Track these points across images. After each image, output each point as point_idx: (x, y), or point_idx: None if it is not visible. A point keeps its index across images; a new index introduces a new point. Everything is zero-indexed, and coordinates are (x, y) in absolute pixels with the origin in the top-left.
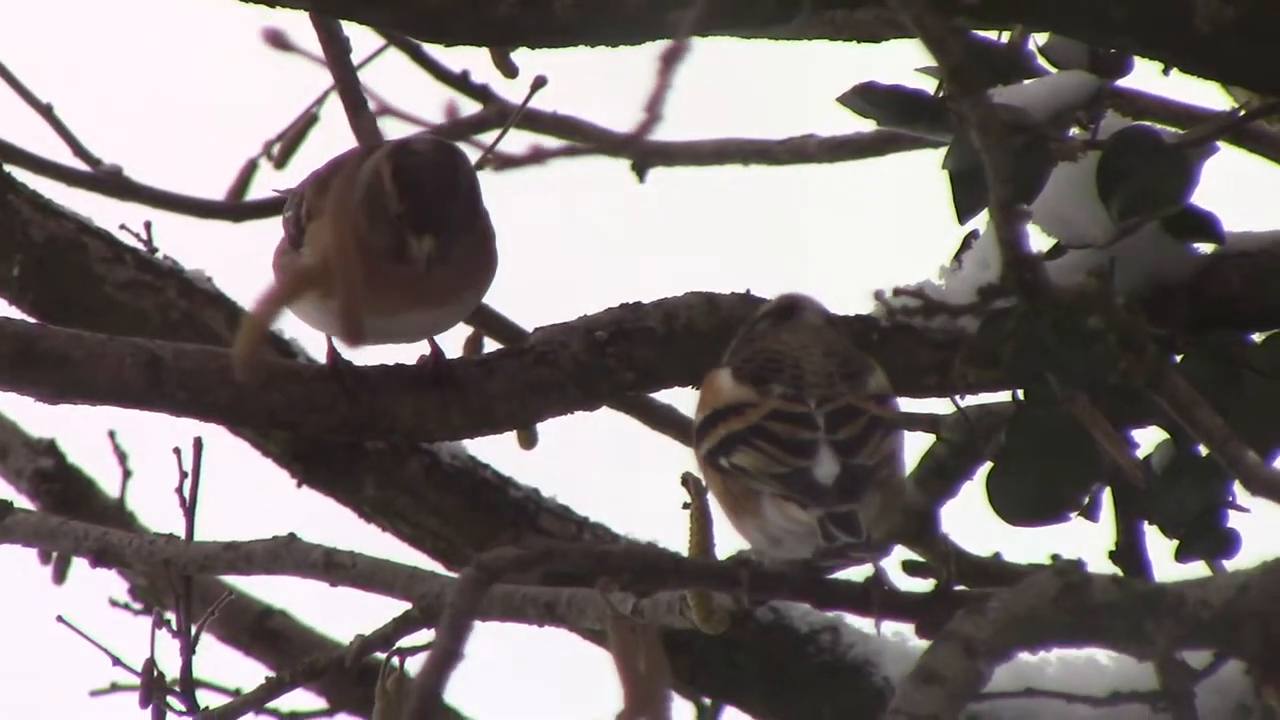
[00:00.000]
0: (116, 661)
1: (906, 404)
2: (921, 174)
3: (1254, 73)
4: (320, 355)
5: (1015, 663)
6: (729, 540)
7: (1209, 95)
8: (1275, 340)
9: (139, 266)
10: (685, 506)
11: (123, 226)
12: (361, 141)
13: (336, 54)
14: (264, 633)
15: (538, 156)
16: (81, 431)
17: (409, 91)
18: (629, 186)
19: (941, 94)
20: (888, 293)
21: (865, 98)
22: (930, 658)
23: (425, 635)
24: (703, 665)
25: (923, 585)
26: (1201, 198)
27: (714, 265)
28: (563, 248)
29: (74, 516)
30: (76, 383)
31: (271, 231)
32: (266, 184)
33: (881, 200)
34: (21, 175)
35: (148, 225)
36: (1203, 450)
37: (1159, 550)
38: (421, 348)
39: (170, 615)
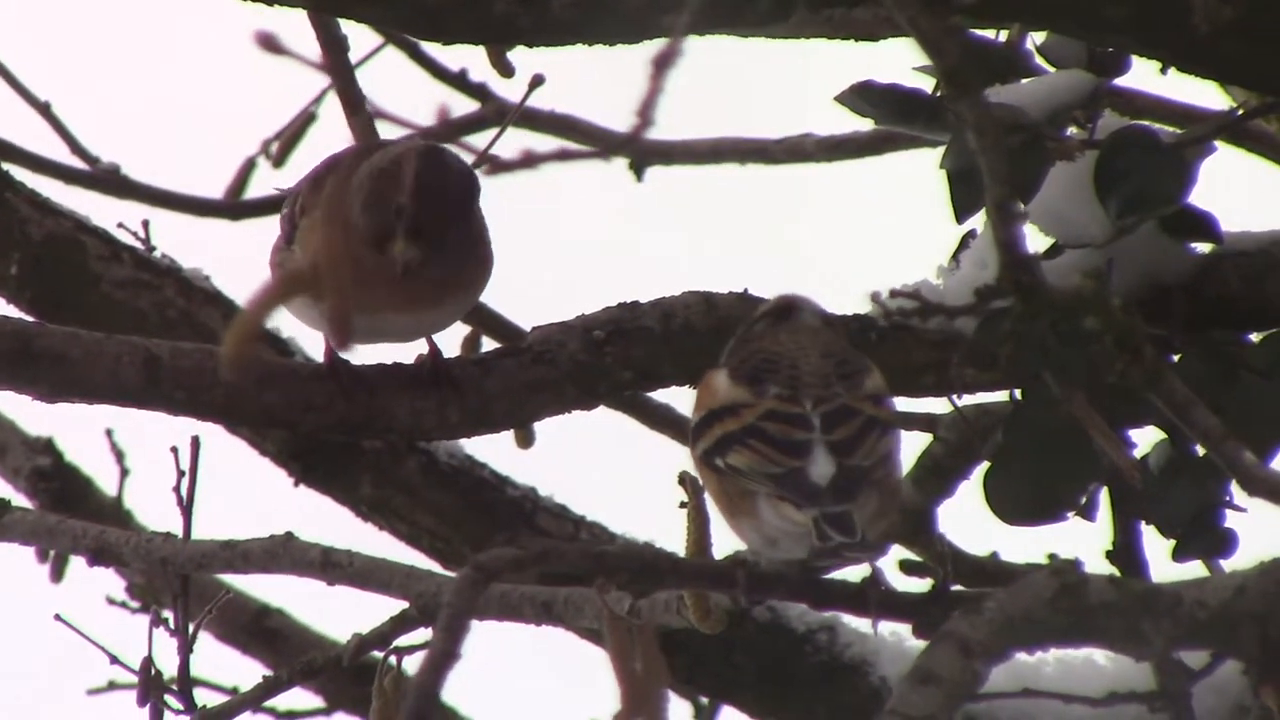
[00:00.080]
0: (114, 660)
1: (904, 403)
2: (919, 173)
3: (1252, 72)
4: (318, 354)
5: (1013, 663)
6: (726, 540)
7: (1207, 94)
8: (1273, 340)
9: (137, 265)
10: (682, 506)
11: (120, 225)
12: (359, 140)
13: (334, 52)
14: (261, 631)
15: (530, 161)
16: (79, 430)
17: (407, 90)
18: (626, 185)
19: (939, 94)
20: (885, 294)
21: (863, 97)
22: (927, 658)
23: (422, 634)
24: (700, 664)
25: (920, 585)
26: (1199, 197)
27: (711, 264)
28: (560, 247)
29: (71, 515)
30: (74, 381)
31: (269, 230)
32: (264, 182)
33: (879, 199)
34: (20, 173)
35: (145, 224)
36: (1200, 450)
37: (1156, 550)
38: (419, 347)
39: (168, 614)
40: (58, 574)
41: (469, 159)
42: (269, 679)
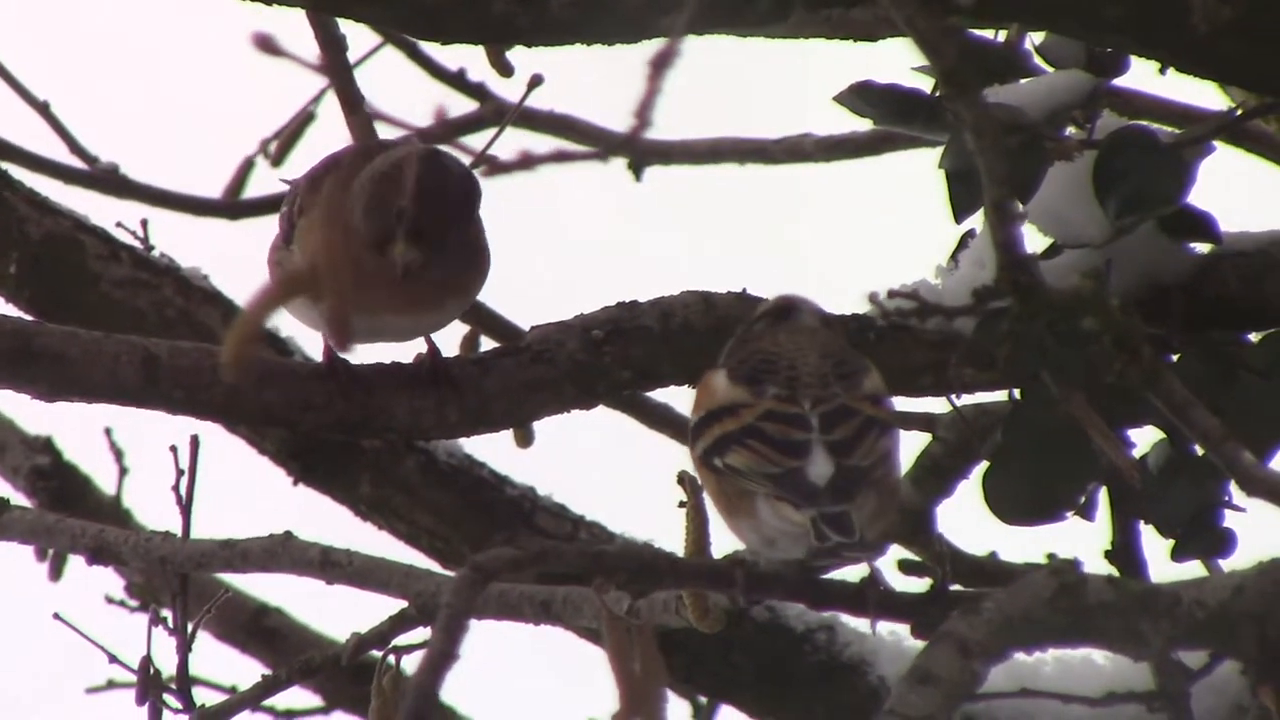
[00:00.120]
0: (113, 659)
1: (902, 403)
2: (918, 173)
3: (1251, 72)
4: (316, 354)
5: (1011, 662)
6: (725, 540)
7: (1206, 95)
8: (1271, 340)
9: (135, 264)
10: (681, 505)
11: (119, 224)
12: (357, 139)
13: (332, 52)
14: (260, 630)
15: (528, 162)
16: (78, 429)
17: (405, 90)
18: (625, 185)
19: (937, 94)
20: (883, 294)
21: (862, 97)
22: (925, 658)
23: (421, 633)
24: (699, 664)
25: (918, 585)
26: (1198, 197)
27: (710, 264)
28: (559, 246)
29: (70, 514)
30: (72, 380)
31: (268, 230)
32: (263, 182)
33: (878, 199)
34: (18, 173)
35: (144, 223)
36: (1199, 450)
37: (1155, 550)
38: (418, 346)
39: (166, 613)
40: (56, 573)
41: (467, 159)
42: (268, 678)
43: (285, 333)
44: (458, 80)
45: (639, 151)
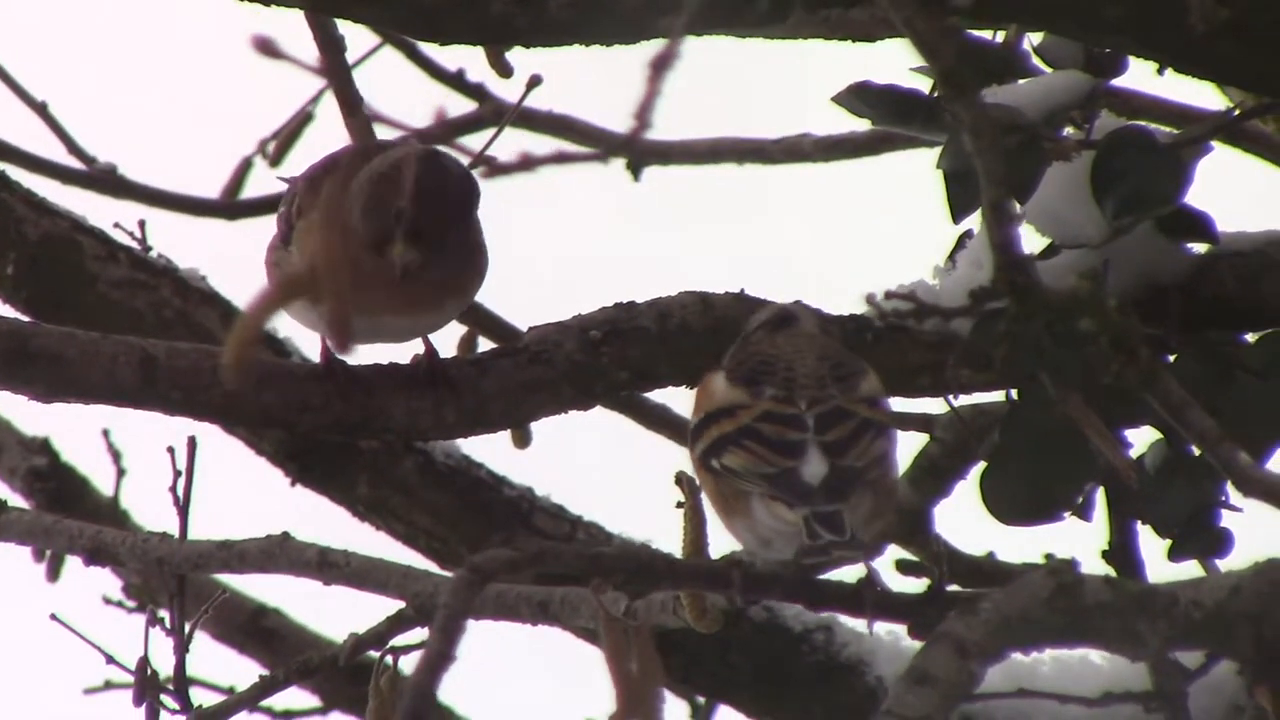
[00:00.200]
0: (110, 660)
1: (900, 404)
2: (916, 173)
3: (1248, 72)
4: (314, 355)
5: (1009, 662)
6: (723, 540)
7: (1204, 95)
8: (1269, 340)
9: (133, 265)
10: (679, 506)
11: (117, 225)
12: (356, 140)
13: (331, 52)
14: (258, 631)
15: (527, 164)
16: (75, 430)
17: (404, 90)
18: (624, 185)
19: (935, 94)
20: (880, 295)
21: (860, 97)
22: (923, 659)
23: (419, 634)
24: (696, 664)
25: (916, 585)
26: (1196, 197)
27: (708, 264)
28: (557, 246)
29: (68, 515)
30: (70, 381)
31: (266, 230)
32: (261, 182)
33: (876, 200)
34: (16, 173)
35: (142, 224)
36: (1196, 451)
37: (1152, 550)
38: (415, 346)
39: (164, 613)
40: (54, 574)
41: (466, 160)
42: (265, 678)
43: (283, 334)
44: (456, 81)
45: (638, 152)
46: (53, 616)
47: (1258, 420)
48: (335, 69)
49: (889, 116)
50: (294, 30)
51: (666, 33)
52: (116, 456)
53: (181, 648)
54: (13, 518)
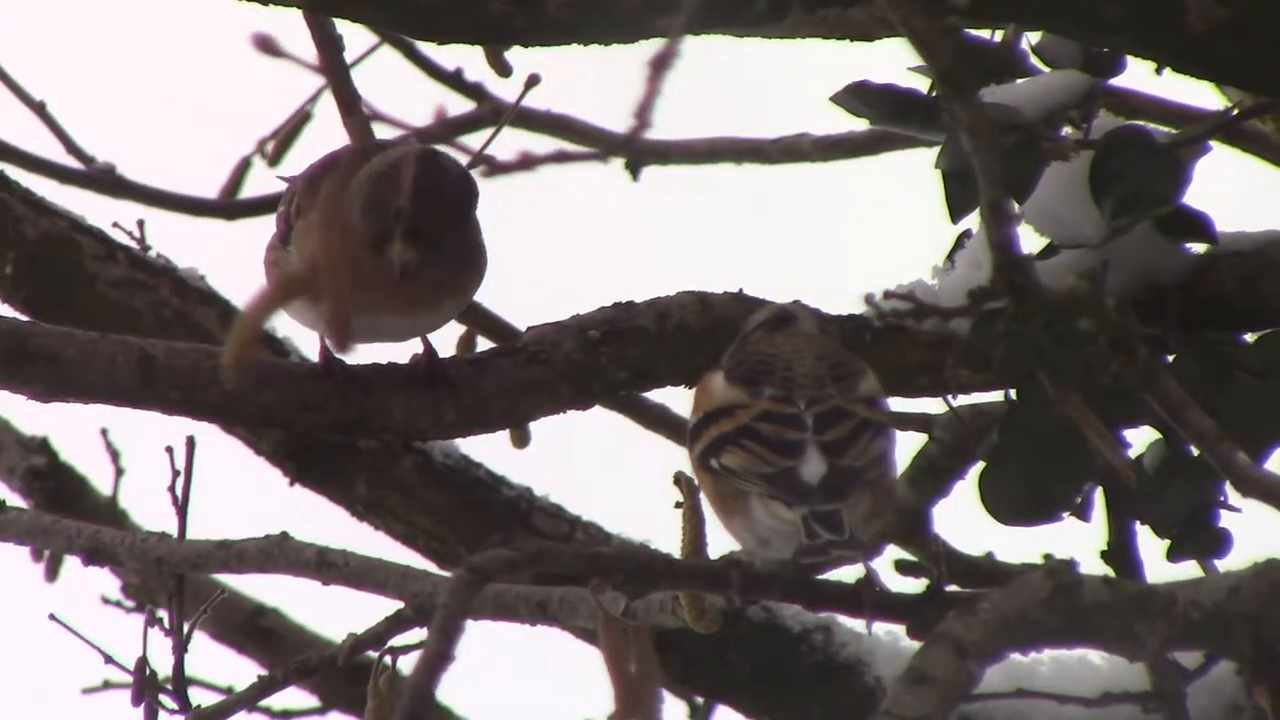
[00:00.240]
0: (109, 659)
1: (899, 404)
2: (915, 173)
3: (1247, 72)
4: (313, 354)
5: (1007, 663)
6: (722, 540)
7: (1202, 95)
8: (1267, 340)
9: (132, 264)
10: (678, 506)
11: (115, 224)
12: (355, 139)
13: (329, 52)
14: (256, 631)
15: (527, 163)
16: (74, 430)
17: (402, 89)
18: (623, 185)
19: (934, 94)
20: (879, 295)
21: (858, 97)
22: (921, 659)
23: (418, 634)
24: (695, 664)
25: (915, 585)
26: (1194, 197)
27: (707, 264)
28: (556, 246)
29: (66, 515)
30: (68, 381)
31: (265, 230)
32: (260, 182)
33: (875, 199)
34: (14, 173)
35: (140, 223)
36: (1195, 451)
37: (1151, 550)
38: (414, 346)
39: (162, 613)
40: (52, 574)
41: (464, 159)
42: (264, 678)
43: (282, 333)
44: (455, 80)
45: (637, 151)
46: (51, 616)
47: (1256, 420)
48: (333, 68)
49: (887, 116)
50: (292, 30)
51: (665, 32)
52: (115, 456)
53: (180, 647)
54: (11, 517)
